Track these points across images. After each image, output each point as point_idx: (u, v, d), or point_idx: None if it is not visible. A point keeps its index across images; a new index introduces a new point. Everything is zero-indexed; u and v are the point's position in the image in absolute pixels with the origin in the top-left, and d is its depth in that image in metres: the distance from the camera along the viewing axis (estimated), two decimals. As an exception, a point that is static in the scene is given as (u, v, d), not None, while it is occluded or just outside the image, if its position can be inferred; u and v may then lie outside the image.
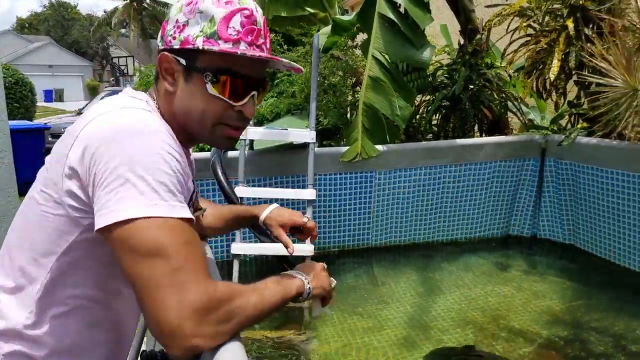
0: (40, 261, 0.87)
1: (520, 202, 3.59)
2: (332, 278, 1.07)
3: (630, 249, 2.93)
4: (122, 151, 0.78)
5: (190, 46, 0.90)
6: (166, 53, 0.92)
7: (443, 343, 2.34)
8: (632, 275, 2.91)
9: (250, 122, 3.17)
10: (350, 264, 3.30)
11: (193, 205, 1.03)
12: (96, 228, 0.78)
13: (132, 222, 0.75)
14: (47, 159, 0.91)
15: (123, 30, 37.50)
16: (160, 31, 0.96)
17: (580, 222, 3.28)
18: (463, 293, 2.86)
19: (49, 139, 7.86)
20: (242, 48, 0.90)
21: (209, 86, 0.90)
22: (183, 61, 0.91)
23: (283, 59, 0.96)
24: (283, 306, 0.91)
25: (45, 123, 9.40)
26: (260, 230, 2.66)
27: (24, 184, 5.86)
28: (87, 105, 10.75)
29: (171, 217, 0.77)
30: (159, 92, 0.97)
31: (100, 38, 38.18)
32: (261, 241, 2.85)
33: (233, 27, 0.90)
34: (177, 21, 0.92)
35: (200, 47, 0.89)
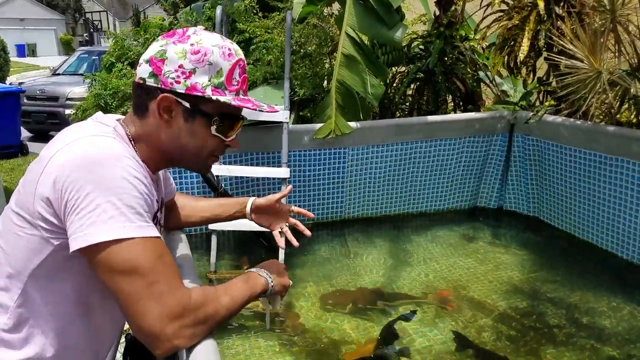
0: (15, 276, 0.94)
1: (488, 175, 3.71)
2: (289, 280, 1.19)
3: (590, 224, 3.08)
4: (91, 178, 0.85)
5: (199, 94, 0.98)
6: (168, 95, 0.97)
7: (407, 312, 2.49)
8: (592, 249, 3.07)
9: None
10: (324, 237, 3.41)
11: (158, 221, 1.10)
12: (71, 250, 0.85)
13: (106, 244, 0.84)
14: (21, 181, 0.97)
15: (96, -19, 35.84)
16: (150, 65, 0.98)
17: (544, 196, 3.42)
18: (429, 264, 3.01)
19: (25, 101, 7.71)
20: (241, 96, 1.03)
21: (213, 128, 1.02)
22: (187, 104, 0.99)
23: (273, 108, 1.11)
24: (250, 302, 1.03)
25: (20, 84, 9.17)
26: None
27: (2, 148, 5.84)
28: (62, 63, 10.39)
29: (141, 237, 0.86)
30: (144, 123, 1.02)
31: (72, -11, 36.51)
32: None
33: (235, 79, 1.01)
34: (181, 66, 0.97)
35: (212, 96, 0.98)
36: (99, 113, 1.06)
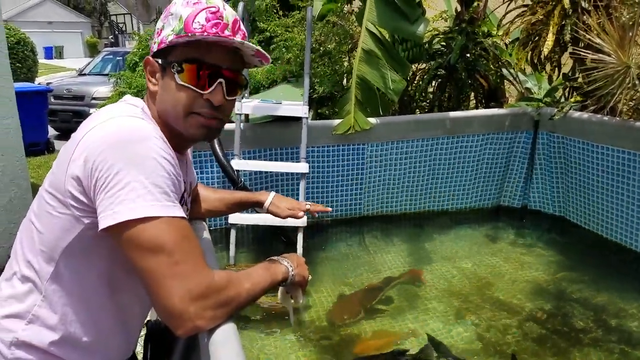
0: (47, 254, 0.96)
1: (512, 173, 3.63)
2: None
3: (618, 223, 2.99)
4: (121, 157, 0.86)
5: (164, 45, 0.98)
6: (149, 57, 1.01)
7: (430, 312, 2.45)
8: (620, 249, 2.97)
9: (246, 93, 3.18)
10: (342, 234, 3.40)
11: (185, 202, 1.11)
12: (100, 228, 0.86)
13: (134, 222, 0.84)
14: (54, 162, 0.99)
15: (121, -16, 36.55)
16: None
17: (571, 195, 3.33)
18: (452, 263, 2.95)
19: (52, 100, 7.94)
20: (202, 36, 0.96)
21: (177, 77, 0.98)
22: (160, 60, 1.00)
23: (250, 44, 1.00)
24: (271, 289, 1.03)
25: (48, 84, 9.41)
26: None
27: (29, 146, 5.92)
28: (88, 64, 10.65)
29: (167, 216, 0.87)
30: (149, 95, 1.05)
31: (97, -7, 37.30)
32: (257, 212, 2.93)
33: (198, 22, 0.97)
34: (157, 28, 1.02)
35: (169, 42, 0.97)
36: (128, 95, 1.07)
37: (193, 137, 1.04)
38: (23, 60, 10.83)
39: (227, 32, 0.98)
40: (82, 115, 7.95)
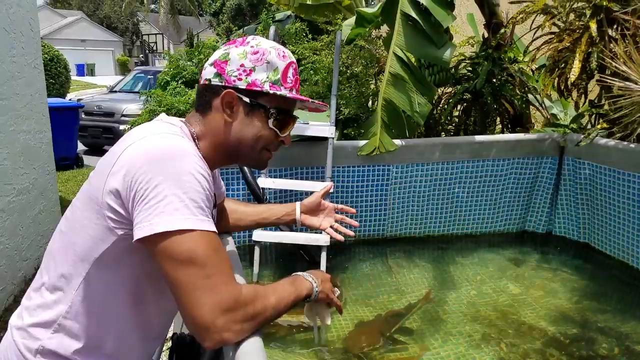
0: (79, 264, 0.99)
1: (537, 199, 3.62)
2: (336, 288, 1.21)
3: (643, 251, 2.95)
4: (160, 172, 0.90)
5: (258, 88, 1.08)
6: (231, 91, 1.07)
7: (452, 336, 2.43)
8: (645, 277, 2.93)
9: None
10: (365, 254, 3.41)
11: (214, 218, 1.15)
12: (136, 238, 0.90)
13: (169, 234, 0.88)
14: (91, 173, 1.04)
15: (153, 6, 37.73)
16: (215, 67, 1.10)
17: (596, 221, 3.30)
18: (476, 287, 2.94)
19: (82, 116, 8.12)
20: (293, 94, 1.14)
21: (270, 121, 1.11)
22: (247, 99, 1.09)
23: (322, 103, 1.22)
24: (295, 304, 1.06)
25: (79, 100, 9.70)
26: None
27: (59, 160, 6.11)
28: (119, 82, 10.97)
29: (201, 230, 0.90)
30: (207, 120, 1.11)
31: (130, 13, 38.52)
32: (281, 230, 2.99)
33: (290, 78, 1.12)
34: (242, 65, 1.08)
35: (269, 91, 1.08)
36: (163, 114, 1.13)
37: (255, 166, 1.20)
38: (56, 76, 11.21)
39: (299, 85, 1.17)
40: (111, 132, 8.14)
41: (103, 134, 8.30)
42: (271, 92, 1.08)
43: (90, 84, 22.64)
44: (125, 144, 0.98)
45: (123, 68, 32.97)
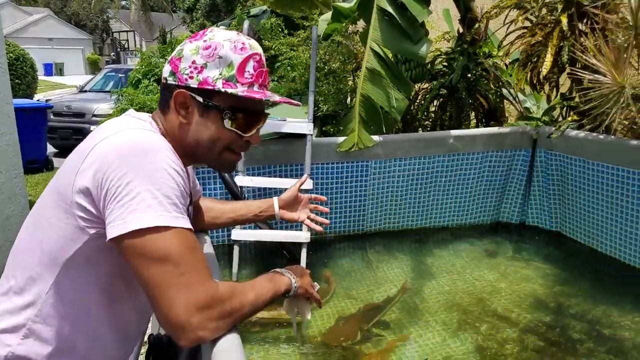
0: (48, 265, 0.96)
1: (511, 190, 3.70)
2: (315, 283, 1.22)
3: (613, 238, 3.05)
4: (132, 168, 0.87)
5: (210, 87, 1.01)
6: (183, 91, 1.02)
7: (430, 325, 2.48)
8: (615, 264, 3.03)
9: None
10: (345, 249, 3.43)
11: (189, 215, 1.14)
12: (109, 237, 0.87)
13: (143, 231, 0.86)
14: (59, 170, 1.00)
15: (123, 2, 37.00)
16: (171, 66, 1.05)
17: (567, 211, 3.40)
18: (452, 277, 2.99)
19: (51, 117, 7.91)
20: (256, 89, 1.03)
21: (226, 121, 1.03)
22: (200, 99, 1.02)
23: (289, 99, 1.13)
24: (274, 301, 1.05)
25: (47, 101, 9.44)
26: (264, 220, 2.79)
27: (28, 163, 5.95)
28: (89, 81, 10.70)
29: (176, 227, 0.88)
30: (167, 120, 1.06)
31: (100, 11, 37.68)
32: (260, 228, 2.98)
33: (248, 72, 1.03)
34: (194, 62, 1.01)
35: (221, 89, 1.00)
36: (132, 110, 1.09)
37: (220, 169, 1.13)
38: (22, 76, 10.90)
39: (267, 80, 1.07)
40: (82, 133, 7.89)
41: (73, 135, 8.04)
42: (223, 90, 1.01)
43: (59, 84, 22.07)
44: (95, 140, 0.94)
45: (94, 67, 32.25)
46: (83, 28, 37.83)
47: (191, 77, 1.01)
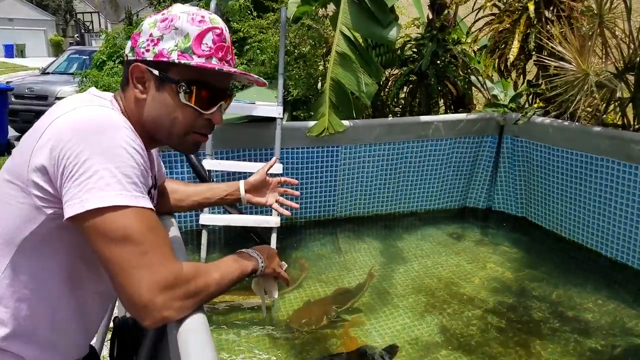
0: (2, 245, 0.92)
1: (478, 176, 3.76)
2: (283, 262, 1.21)
3: (576, 223, 3.14)
4: (90, 146, 0.84)
5: (165, 59, 0.97)
6: (139, 64, 0.98)
7: (398, 308, 2.52)
8: (578, 248, 3.13)
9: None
10: (315, 235, 3.43)
11: (152, 197, 1.10)
12: (67, 217, 0.84)
13: (101, 210, 0.83)
14: (14, 150, 0.96)
15: (88, -17, 35.74)
16: (131, 41, 1.01)
17: (532, 196, 3.48)
18: (420, 262, 3.04)
19: (13, 99, 7.64)
20: (214, 63, 0.99)
21: (181, 96, 0.98)
22: (156, 72, 0.98)
23: (251, 74, 1.06)
24: (240, 281, 1.02)
25: (8, 83, 9.07)
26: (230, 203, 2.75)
27: (-12, 146, 5.71)
28: (52, 63, 10.34)
29: (136, 207, 0.85)
30: (126, 97, 1.02)
31: (63, -9, 36.34)
32: (229, 212, 2.94)
33: (206, 44, 0.98)
34: (151, 35, 0.98)
35: (175, 60, 0.96)
36: (93, 88, 1.05)
37: (182, 151, 1.05)
38: (-19, 58, 10.45)
39: (229, 56, 1.01)
40: (45, 115, 7.70)
41: (36, 118, 7.66)
42: (176, 61, 0.96)
43: (20, 65, 21.25)
44: (51, 117, 0.90)
45: (57, 49, 31.13)
46: (45, 9, 36.41)
47: (147, 51, 0.98)
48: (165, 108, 1.00)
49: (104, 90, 4.03)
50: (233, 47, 1.05)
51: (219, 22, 1.01)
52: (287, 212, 1.49)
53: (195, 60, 0.97)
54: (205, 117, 1.02)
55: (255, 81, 1.09)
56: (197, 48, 0.97)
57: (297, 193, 1.51)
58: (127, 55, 1.02)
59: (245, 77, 1.06)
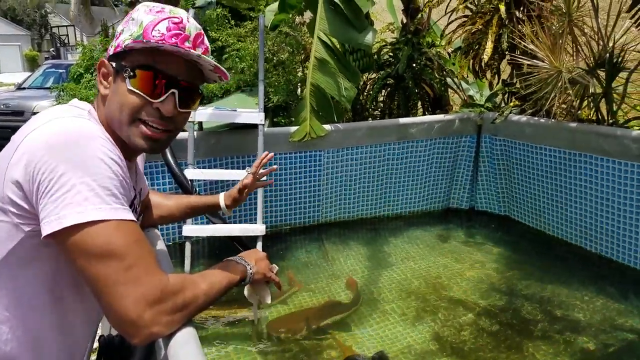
0: None
1: (459, 176, 3.80)
2: (273, 265, 1.20)
3: (557, 219, 3.19)
4: (65, 159, 0.82)
5: (120, 49, 0.96)
6: (103, 59, 0.98)
7: (389, 314, 2.50)
8: (561, 244, 3.17)
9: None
10: (301, 241, 3.42)
11: (135, 210, 1.08)
12: (44, 234, 0.81)
13: (81, 226, 0.81)
14: None
15: (62, -4, 35.34)
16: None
17: (513, 194, 3.53)
18: (407, 265, 3.04)
19: (-13, 115, 7.52)
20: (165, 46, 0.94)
21: (127, 81, 0.94)
22: (114, 64, 0.97)
23: (208, 59, 0.98)
24: (229, 291, 1.01)
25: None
26: (212, 212, 2.72)
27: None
28: (27, 78, 10.19)
29: (117, 220, 0.83)
30: (98, 99, 1.02)
31: (37, 6, 35.82)
32: (213, 222, 2.92)
33: (158, 30, 0.95)
34: (117, 31, 0.99)
35: (125, 47, 0.95)
36: (75, 99, 1.03)
37: (136, 147, 0.98)
38: (-46, 74, 10.24)
39: (187, 44, 0.96)
40: (22, 131, 7.59)
41: (12, 135, 7.67)
42: (128, 46, 0.94)
43: (-5, 82, 20.83)
44: (26, 132, 0.88)
45: (32, 64, 30.64)
46: (20, 24, 35.88)
47: (112, 47, 0.99)
48: (117, 97, 0.97)
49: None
50: (204, 40, 1.01)
51: (181, 14, 0.98)
52: (269, 181, 1.63)
53: (138, 44, 0.94)
54: (154, 106, 0.97)
55: (218, 70, 1.02)
56: (147, 34, 0.94)
57: (274, 167, 1.65)
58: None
59: (207, 64, 0.99)
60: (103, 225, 0.82)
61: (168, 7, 0.99)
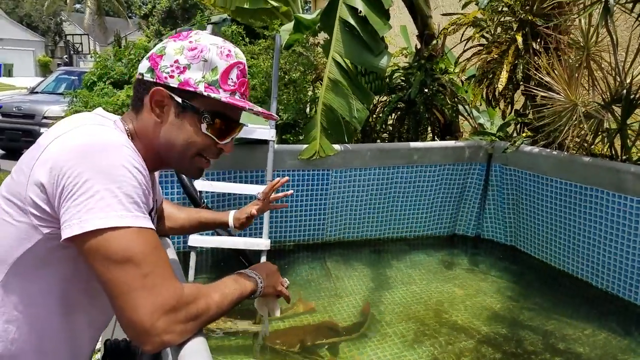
0: None
1: (466, 203, 3.78)
2: (285, 278, 1.20)
3: (565, 252, 3.14)
4: (90, 165, 0.83)
5: (191, 89, 0.98)
6: (161, 89, 0.98)
7: (388, 336, 2.46)
8: (568, 278, 3.12)
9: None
10: (304, 259, 3.40)
11: (152, 220, 1.09)
12: (64, 237, 0.82)
13: (102, 231, 0.82)
14: (14, 168, 0.95)
15: (78, 6, 36.01)
16: (150, 62, 1.01)
17: (521, 225, 3.49)
18: (409, 289, 3.00)
19: (0, 117, 7.62)
20: (237, 98, 1.03)
21: (203, 125, 1.01)
22: (179, 99, 0.99)
23: (269, 113, 1.12)
24: (240, 302, 1.02)
25: (-5, 101, 9.02)
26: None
27: (-25, 163, 5.66)
28: (40, 82, 10.31)
29: (137, 227, 0.84)
30: (138, 118, 1.02)
31: (53, 13, 36.44)
32: (218, 234, 2.90)
33: (231, 79, 1.01)
34: (176, 61, 0.98)
35: (203, 92, 0.98)
36: (100, 108, 1.05)
37: (188, 174, 1.11)
38: (-31, 76, 10.39)
39: (248, 91, 1.06)
40: (31, 134, 7.67)
41: (22, 137, 7.82)
42: (205, 94, 0.98)
43: (8, 85, 21.13)
44: (53, 136, 0.90)
45: (44, 69, 31.09)
46: (35, 30, 36.47)
47: (172, 77, 0.99)
48: (183, 134, 1.01)
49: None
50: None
51: (242, 57, 1.05)
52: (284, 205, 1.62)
53: (222, 95, 0.99)
54: (218, 146, 1.05)
55: (266, 115, 1.12)
56: (224, 83, 1.00)
57: (290, 192, 1.70)
58: (142, 74, 1.01)
59: (260, 112, 1.08)
60: (124, 232, 0.83)
61: (232, 49, 1.03)
